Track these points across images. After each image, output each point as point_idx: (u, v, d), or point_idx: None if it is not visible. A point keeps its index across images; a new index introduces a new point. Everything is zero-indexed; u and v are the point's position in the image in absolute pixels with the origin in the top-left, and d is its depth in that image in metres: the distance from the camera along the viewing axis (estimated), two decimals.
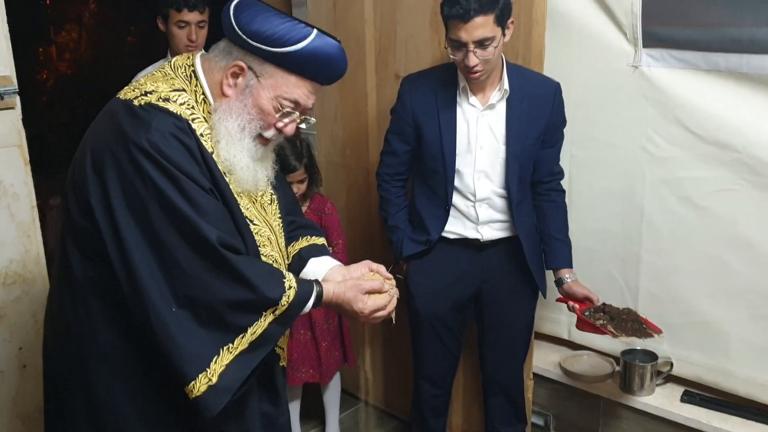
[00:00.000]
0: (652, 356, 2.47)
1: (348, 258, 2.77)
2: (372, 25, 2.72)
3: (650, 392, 2.46)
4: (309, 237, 1.78)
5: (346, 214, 2.93)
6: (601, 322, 2.18)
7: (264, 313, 1.45)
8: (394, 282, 1.67)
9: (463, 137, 2.21)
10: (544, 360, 2.71)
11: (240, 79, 1.48)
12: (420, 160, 2.31)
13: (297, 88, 1.48)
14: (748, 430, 2.27)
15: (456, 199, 2.26)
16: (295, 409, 2.93)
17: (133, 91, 1.46)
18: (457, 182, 2.24)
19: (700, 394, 2.42)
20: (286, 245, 1.74)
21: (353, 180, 2.92)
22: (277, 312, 1.46)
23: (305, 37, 1.43)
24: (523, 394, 2.53)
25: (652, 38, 2.25)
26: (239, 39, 1.45)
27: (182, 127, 1.43)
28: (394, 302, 1.65)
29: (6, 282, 2.39)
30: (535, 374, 2.66)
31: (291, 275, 1.52)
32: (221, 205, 1.47)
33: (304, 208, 2.69)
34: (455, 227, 2.30)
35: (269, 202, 1.67)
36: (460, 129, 2.21)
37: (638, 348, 2.50)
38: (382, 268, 1.67)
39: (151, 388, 1.53)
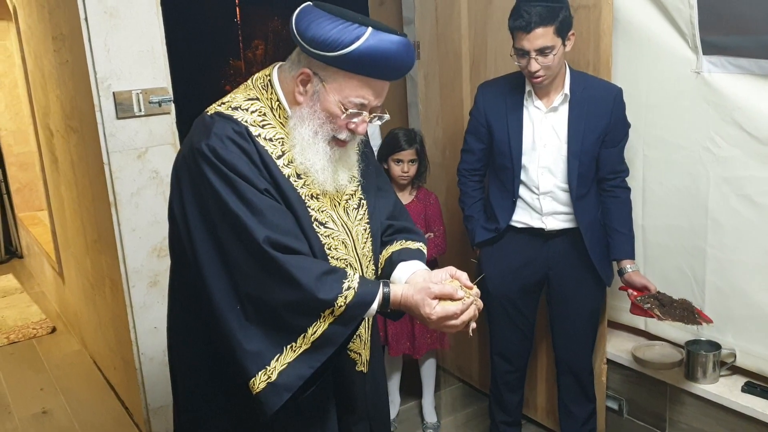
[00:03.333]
0: (715, 347, 2.58)
1: (446, 244, 3.11)
2: (467, 40, 3.04)
3: (713, 381, 2.56)
4: (403, 241, 1.74)
5: (445, 209, 3.25)
6: (649, 306, 2.36)
7: (321, 314, 1.42)
8: (475, 292, 1.54)
9: (529, 136, 2.48)
10: (619, 347, 2.88)
11: (309, 86, 1.50)
12: (492, 157, 2.60)
13: (361, 89, 1.48)
14: None
15: (522, 191, 2.53)
16: (395, 380, 3.30)
17: (215, 103, 1.58)
18: (523, 176, 2.51)
19: (761, 385, 2.49)
20: (380, 249, 1.72)
21: (451, 178, 3.23)
22: (336, 313, 1.42)
23: (358, 38, 1.41)
24: (592, 376, 2.73)
25: (711, 46, 2.39)
26: (302, 47, 1.48)
27: (240, 131, 1.48)
28: (471, 312, 1.51)
29: (161, 254, 2.92)
30: (609, 360, 2.84)
31: (356, 277, 1.47)
32: (279, 206, 1.48)
33: (411, 198, 3.08)
34: (522, 217, 2.56)
35: (356, 207, 1.66)
36: (526, 129, 2.48)
37: (703, 339, 2.61)
38: (463, 276, 1.55)
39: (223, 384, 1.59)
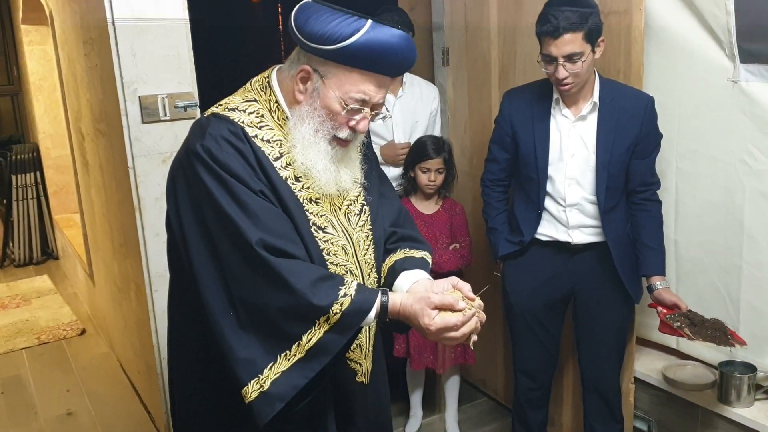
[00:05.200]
0: (751, 369, 2.46)
1: (472, 256, 3.04)
2: (496, 46, 2.97)
3: (748, 405, 2.44)
4: (407, 250, 1.69)
5: (472, 219, 3.18)
6: (678, 324, 2.26)
7: (316, 321, 1.37)
8: (478, 303, 1.48)
9: (556, 146, 2.40)
10: (648, 366, 2.77)
11: (308, 84, 1.47)
12: (517, 167, 2.52)
13: (361, 84, 1.45)
14: None
15: (548, 203, 2.45)
16: (418, 393, 3.24)
17: (213, 106, 1.55)
18: (549, 188, 2.43)
19: None
20: (384, 257, 1.68)
21: (478, 188, 3.14)
22: (331, 320, 1.38)
23: (357, 30, 1.39)
24: (619, 395, 2.62)
25: (749, 54, 2.28)
26: (301, 43, 1.45)
27: (235, 132, 1.45)
28: (472, 324, 1.44)
29: None
30: (638, 380, 2.73)
31: (354, 284, 1.42)
32: (274, 208, 1.44)
33: (437, 208, 3.02)
34: (547, 230, 2.48)
35: (357, 212, 1.62)
36: (552, 138, 2.40)
37: (738, 360, 2.50)
38: (465, 287, 1.49)
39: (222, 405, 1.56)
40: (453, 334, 1.42)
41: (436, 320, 1.41)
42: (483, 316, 1.48)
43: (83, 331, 4.57)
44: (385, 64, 1.45)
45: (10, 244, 6.21)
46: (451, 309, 1.43)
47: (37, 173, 6.13)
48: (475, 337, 1.47)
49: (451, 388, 3.20)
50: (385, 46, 1.41)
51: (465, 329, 1.43)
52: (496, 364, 3.32)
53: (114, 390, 3.74)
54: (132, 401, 3.59)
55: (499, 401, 3.37)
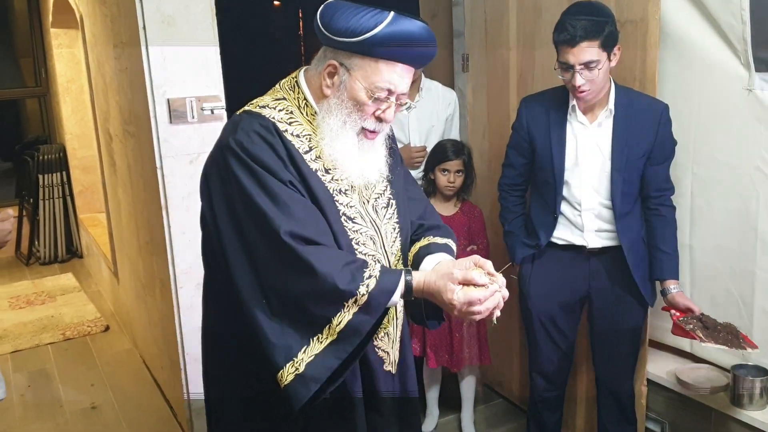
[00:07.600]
0: (763, 372, 2.49)
1: (489, 258, 3.09)
2: (515, 52, 3.03)
3: (760, 408, 2.48)
4: (431, 237, 1.75)
5: (490, 222, 3.23)
6: (691, 327, 2.30)
7: (345, 304, 1.43)
8: (500, 280, 1.50)
9: (572, 152, 2.46)
10: (661, 369, 2.81)
11: (335, 78, 1.53)
12: (534, 172, 2.58)
13: (386, 74, 1.51)
14: None
15: (564, 207, 2.50)
16: (434, 392, 3.30)
17: (246, 105, 1.62)
18: (565, 192, 2.48)
19: None
20: (409, 246, 1.74)
21: (496, 192, 3.21)
22: (359, 302, 1.43)
23: (381, 22, 1.45)
24: (633, 398, 2.66)
25: (764, 63, 2.33)
26: (327, 40, 1.52)
27: (267, 126, 1.51)
28: (496, 300, 1.47)
29: None
30: (652, 382, 2.77)
31: (378, 266, 1.48)
32: (303, 198, 1.49)
33: (455, 210, 3.09)
34: (563, 234, 2.53)
35: (385, 205, 1.68)
36: (569, 144, 2.46)
37: (751, 364, 2.53)
38: (487, 264, 1.53)
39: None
40: (477, 308, 1.45)
41: (459, 295, 1.45)
42: (506, 292, 1.51)
43: (107, 328, 4.67)
44: (408, 54, 1.51)
45: (36, 243, 6.34)
46: (474, 284, 1.46)
47: (63, 173, 6.26)
48: (498, 313, 1.50)
49: (468, 388, 3.25)
50: (407, 36, 1.47)
51: (489, 303, 1.46)
52: (511, 365, 3.37)
53: (137, 385, 3.84)
54: (154, 395, 3.68)
55: (514, 402, 3.42)
